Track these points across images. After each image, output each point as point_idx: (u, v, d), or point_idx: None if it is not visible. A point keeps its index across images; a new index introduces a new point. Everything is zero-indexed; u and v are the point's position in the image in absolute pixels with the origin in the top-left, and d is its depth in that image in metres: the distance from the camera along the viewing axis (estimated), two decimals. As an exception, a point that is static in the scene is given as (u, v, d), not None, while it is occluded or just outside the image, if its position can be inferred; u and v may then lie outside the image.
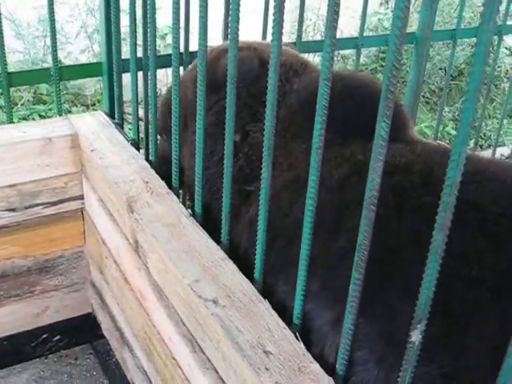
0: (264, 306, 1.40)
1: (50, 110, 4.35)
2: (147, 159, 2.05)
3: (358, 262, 1.13)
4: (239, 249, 1.64)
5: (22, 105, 4.35)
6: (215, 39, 2.00)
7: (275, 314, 1.38)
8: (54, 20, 2.21)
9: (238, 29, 1.38)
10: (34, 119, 4.35)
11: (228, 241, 1.63)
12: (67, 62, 4.74)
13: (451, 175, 0.90)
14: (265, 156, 1.33)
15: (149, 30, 1.85)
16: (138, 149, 2.10)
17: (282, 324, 1.35)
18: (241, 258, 1.60)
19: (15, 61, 4.29)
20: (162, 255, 1.59)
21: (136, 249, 1.78)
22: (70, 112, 4.49)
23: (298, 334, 1.33)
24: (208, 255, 1.56)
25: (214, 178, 1.80)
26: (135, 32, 2.01)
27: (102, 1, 2.15)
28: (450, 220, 0.93)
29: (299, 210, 1.35)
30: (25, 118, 4.36)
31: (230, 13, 1.37)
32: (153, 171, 1.93)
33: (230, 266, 1.53)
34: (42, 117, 4.38)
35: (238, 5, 1.35)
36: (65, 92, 4.50)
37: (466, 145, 0.88)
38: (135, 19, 1.99)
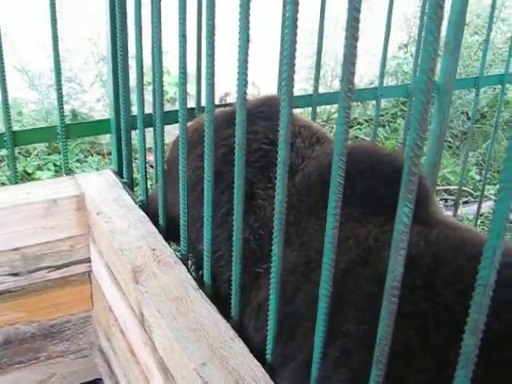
0: (277, 395, 1.28)
1: (65, 159, 4.27)
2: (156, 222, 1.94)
3: (378, 357, 1.00)
4: (245, 334, 1.48)
5: (37, 155, 4.27)
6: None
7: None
8: (60, 82, 2.14)
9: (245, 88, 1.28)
10: (49, 169, 4.29)
11: (238, 316, 1.51)
12: (83, 110, 4.69)
13: (484, 274, 0.78)
14: (275, 234, 1.22)
15: (156, 86, 1.77)
16: (146, 211, 2.00)
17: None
18: (246, 343, 1.44)
19: (30, 111, 4.23)
20: (167, 333, 1.47)
21: (142, 321, 1.67)
22: (85, 162, 4.43)
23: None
24: (216, 334, 1.44)
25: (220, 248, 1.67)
26: (142, 88, 1.93)
27: (109, 56, 2.08)
28: (482, 323, 0.81)
29: (301, 301, 1.23)
30: (40, 168, 4.30)
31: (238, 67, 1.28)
32: (161, 237, 1.82)
33: (240, 347, 1.40)
34: (57, 166, 4.32)
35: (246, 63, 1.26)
36: (80, 141, 4.44)
37: (501, 239, 0.76)
38: (142, 76, 1.91)
